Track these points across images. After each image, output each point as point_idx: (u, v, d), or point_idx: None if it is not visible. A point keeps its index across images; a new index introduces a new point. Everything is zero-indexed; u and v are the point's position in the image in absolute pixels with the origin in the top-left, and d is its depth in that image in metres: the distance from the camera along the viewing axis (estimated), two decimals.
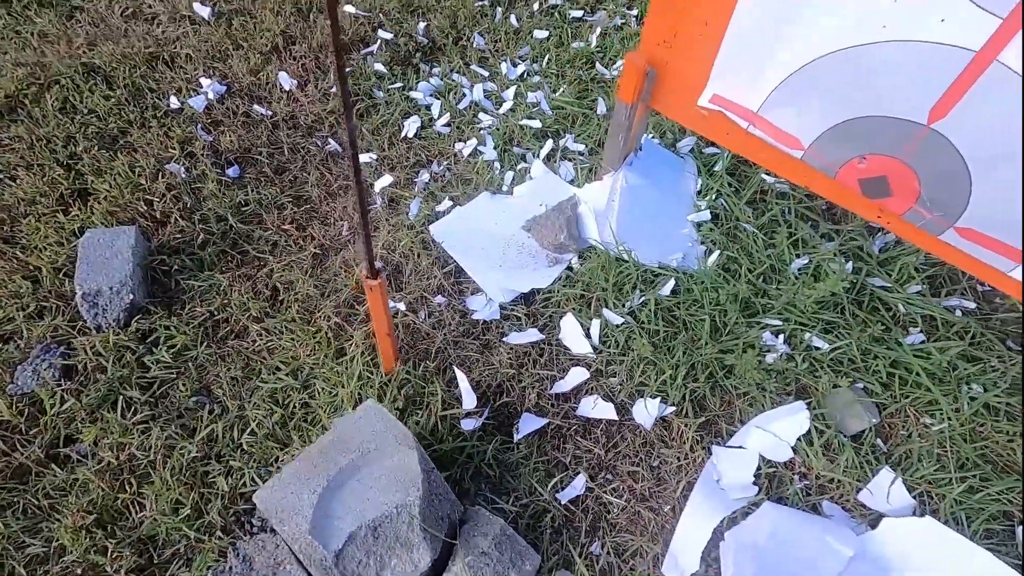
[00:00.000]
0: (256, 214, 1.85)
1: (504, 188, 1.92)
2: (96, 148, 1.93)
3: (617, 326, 1.58)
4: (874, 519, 1.35)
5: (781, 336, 1.56)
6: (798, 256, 1.70)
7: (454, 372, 1.51)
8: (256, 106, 2.12)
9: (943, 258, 1.28)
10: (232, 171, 1.95)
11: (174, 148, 1.95)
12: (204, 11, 2.39)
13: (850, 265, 1.68)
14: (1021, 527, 1.32)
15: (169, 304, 1.64)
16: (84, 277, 1.55)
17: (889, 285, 1.66)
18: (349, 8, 2.45)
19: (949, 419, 1.44)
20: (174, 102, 2.10)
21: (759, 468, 1.40)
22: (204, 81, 2.15)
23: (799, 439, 1.43)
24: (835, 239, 1.74)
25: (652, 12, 1.36)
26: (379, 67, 2.26)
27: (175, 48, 2.27)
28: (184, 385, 1.50)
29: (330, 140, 2.06)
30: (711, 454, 1.43)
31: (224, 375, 1.52)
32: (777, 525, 1.26)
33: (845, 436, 1.45)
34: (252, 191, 1.89)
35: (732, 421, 1.49)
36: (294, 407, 1.48)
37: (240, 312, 1.63)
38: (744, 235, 1.75)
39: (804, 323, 1.58)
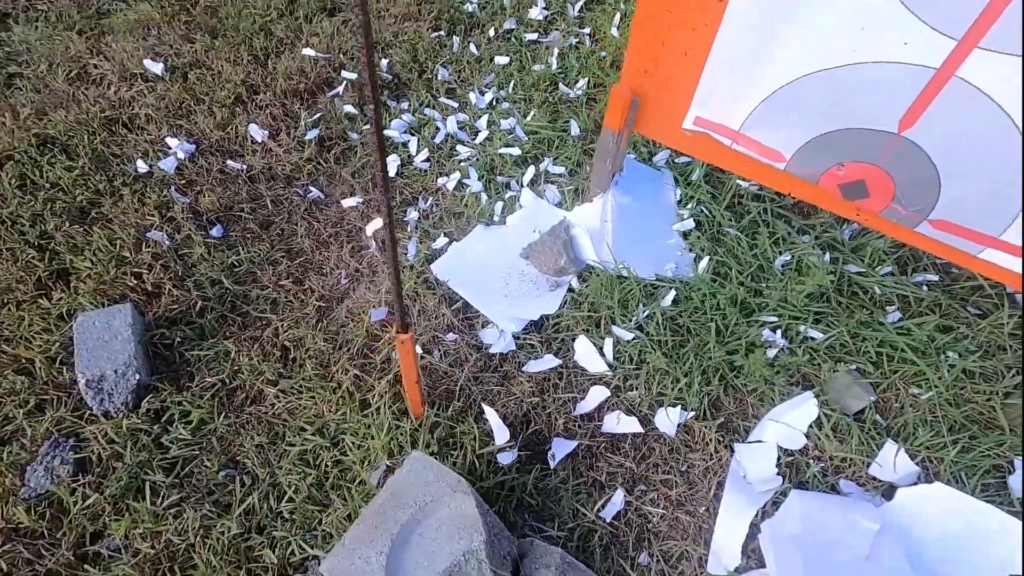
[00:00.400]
0: (250, 273, 1.83)
1: (496, 218, 1.96)
2: (67, 224, 1.85)
3: (628, 342, 1.65)
4: (886, 490, 1.47)
5: (778, 331, 1.68)
6: (780, 253, 1.82)
7: (480, 408, 1.55)
8: (230, 161, 2.08)
9: (917, 246, 1.42)
10: (216, 231, 1.91)
11: (152, 215, 1.89)
12: (156, 67, 2.33)
13: (828, 256, 1.81)
14: (1021, 476, 1.47)
15: (176, 378, 1.60)
16: (85, 363, 1.50)
17: (864, 270, 1.81)
18: (308, 51, 2.43)
19: (936, 387, 1.59)
20: (142, 166, 2.03)
21: (779, 458, 1.50)
22: (171, 141, 2.09)
23: (810, 426, 1.54)
24: (810, 233, 1.88)
25: (633, 44, 1.44)
26: (349, 108, 2.26)
27: (132, 109, 2.20)
28: (209, 460, 1.47)
29: (311, 188, 2.05)
30: (733, 452, 1.52)
31: (249, 444, 1.50)
32: (807, 511, 1.36)
33: (849, 416, 1.57)
34: (242, 250, 1.86)
35: (746, 417, 1.59)
36: (327, 466, 1.47)
37: (253, 377, 1.60)
38: (728, 238, 1.86)
39: (796, 316, 1.69)
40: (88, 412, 1.52)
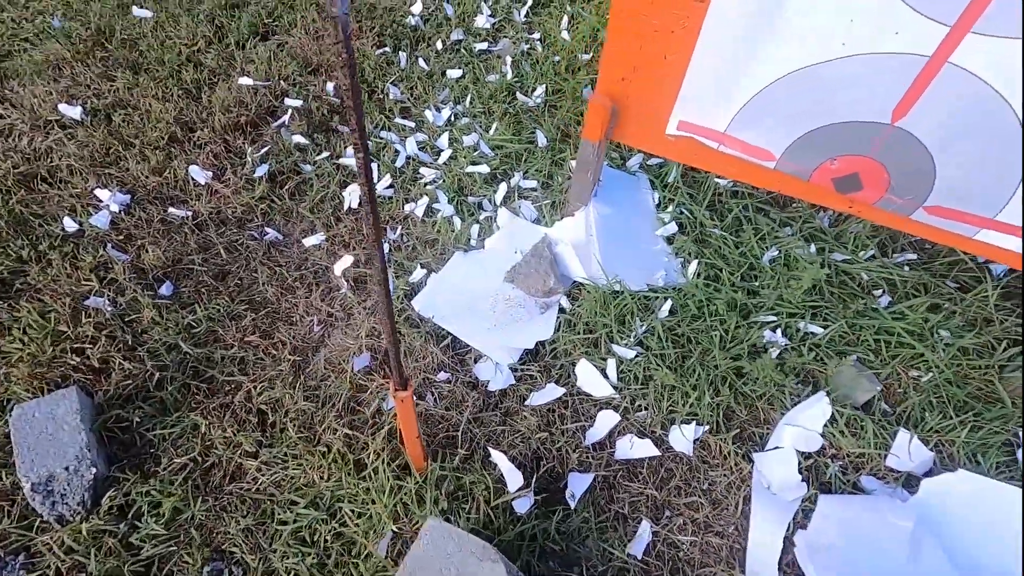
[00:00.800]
0: (210, 332, 1.65)
1: (473, 242, 1.85)
2: None
3: (631, 360, 1.58)
4: (907, 480, 1.45)
5: (778, 330, 1.64)
6: (767, 249, 1.79)
7: (487, 452, 1.44)
8: (172, 209, 1.89)
9: (912, 233, 1.40)
10: (166, 289, 1.72)
11: (88, 279, 1.69)
12: (73, 111, 2.10)
13: (813, 247, 1.80)
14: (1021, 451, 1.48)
15: (140, 465, 1.42)
16: (28, 465, 1.30)
17: (849, 257, 1.80)
18: (245, 80, 2.25)
19: (936, 367, 1.58)
20: (70, 224, 1.82)
21: (799, 463, 1.46)
22: (101, 193, 1.88)
23: (825, 425, 1.51)
24: (791, 225, 1.86)
25: (608, 50, 1.36)
26: (298, 139, 2.10)
27: (51, 161, 1.97)
28: (189, 556, 1.30)
29: (267, 230, 1.88)
30: (753, 462, 1.47)
31: (234, 529, 1.34)
32: (839, 518, 1.32)
33: (858, 409, 1.55)
34: (198, 307, 1.68)
35: (760, 424, 1.54)
36: (326, 542, 1.33)
37: (230, 451, 1.44)
38: (713, 239, 1.81)
39: (794, 313, 1.66)
40: (38, 520, 1.32)
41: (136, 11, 2.54)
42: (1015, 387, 1.55)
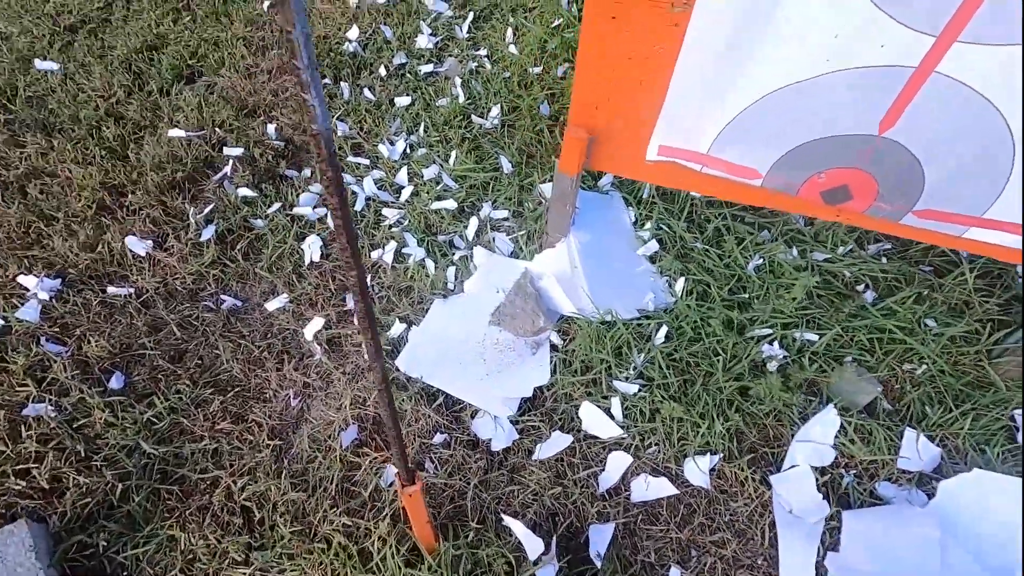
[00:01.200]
0: (175, 425, 1.49)
1: (450, 286, 1.75)
2: None
3: (635, 395, 1.51)
4: (918, 479, 1.44)
5: (775, 343, 1.61)
6: (750, 257, 1.76)
7: (498, 517, 1.34)
8: (111, 288, 1.70)
9: (902, 236, 1.39)
10: (116, 382, 1.54)
11: (24, 384, 1.49)
12: None
13: (795, 250, 1.78)
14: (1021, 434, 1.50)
15: None
16: None
17: (829, 256, 1.79)
18: (176, 132, 2.06)
19: (929, 358, 1.59)
20: None
21: (816, 479, 1.43)
22: (26, 280, 1.67)
23: (835, 436, 1.48)
24: (769, 229, 1.83)
25: (580, 80, 1.28)
26: (244, 191, 1.93)
27: None
28: None
29: (223, 298, 1.72)
30: (771, 486, 1.43)
31: None
32: (867, 537, 1.29)
33: (862, 413, 1.53)
34: (156, 398, 1.51)
35: (771, 443, 1.50)
36: None
37: (216, 562, 1.29)
38: (696, 252, 1.77)
39: (787, 323, 1.63)
40: None
41: (39, 64, 2.30)
42: (1005, 371, 1.57)
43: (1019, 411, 1.51)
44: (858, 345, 1.63)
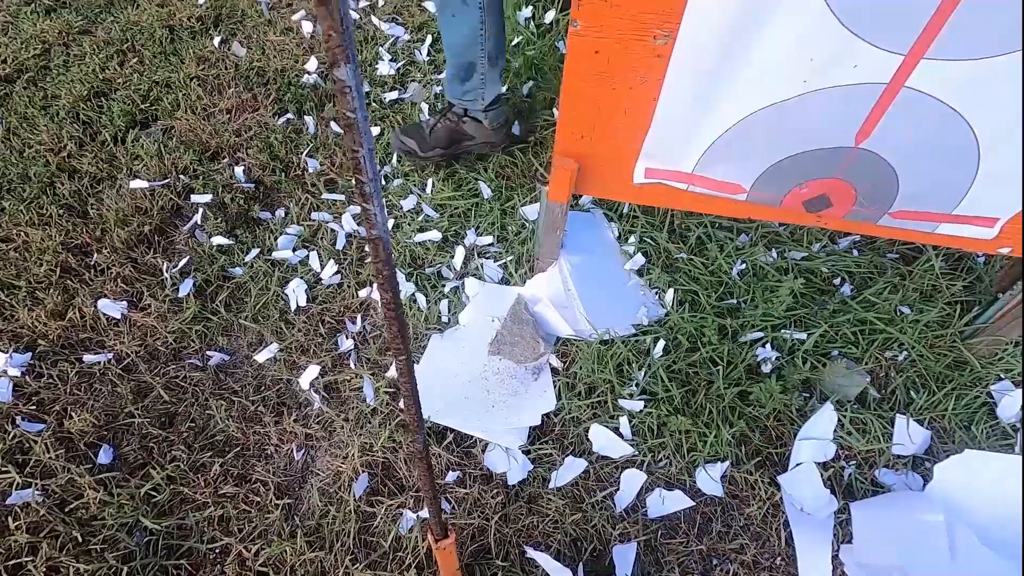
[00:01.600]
0: (175, 495, 1.42)
1: (444, 319, 1.73)
2: None
3: (641, 411, 1.54)
4: (912, 463, 1.52)
5: (767, 345, 1.66)
6: (733, 263, 1.81)
7: (521, 552, 1.34)
8: (88, 356, 1.61)
9: (878, 235, 1.46)
10: (105, 456, 1.47)
11: (5, 470, 1.40)
12: None
13: (775, 252, 1.84)
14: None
15: None
16: None
17: (806, 254, 1.86)
18: (137, 183, 1.97)
19: (910, 344, 1.67)
20: None
21: (821, 475, 1.48)
22: None
23: (835, 430, 1.54)
24: (748, 233, 1.89)
25: (564, 112, 1.29)
26: (219, 239, 1.87)
27: None
28: None
29: (209, 354, 1.66)
30: (780, 486, 1.48)
31: None
32: (876, 528, 1.35)
33: (854, 403, 1.60)
34: (152, 468, 1.44)
35: (774, 443, 1.55)
36: None
37: None
38: (681, 263, 1.81)
39: (776, 324, 1.69)
40: None
41: None
42: (977, 350, 1.67)
43: (995, 387, 1.61)
44: (843, 338, 1.70)
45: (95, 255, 1.80)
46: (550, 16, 2.44)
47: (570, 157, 1.37)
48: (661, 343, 1.63)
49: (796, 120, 1.19)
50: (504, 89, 1.88)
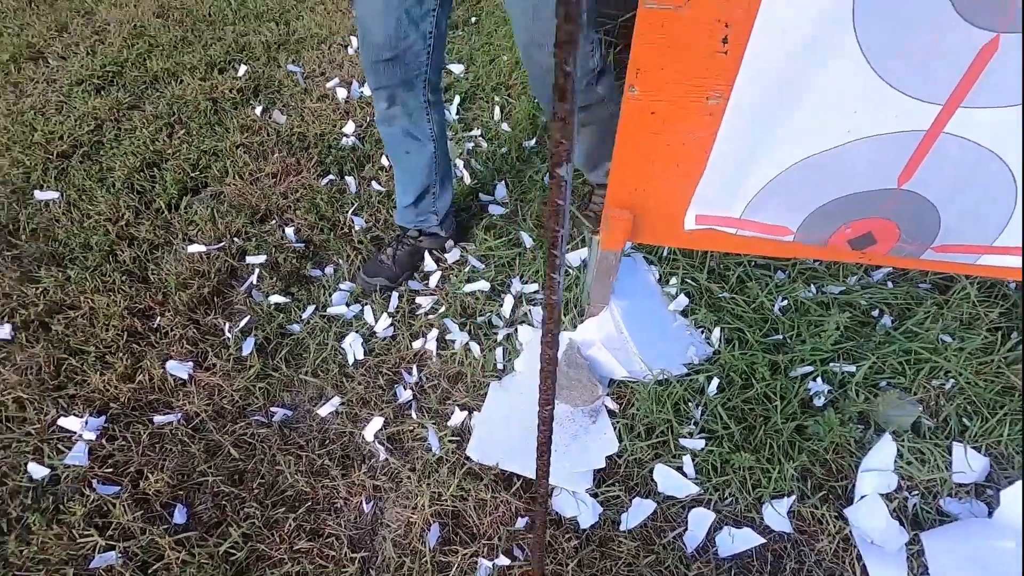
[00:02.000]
0: (252, 552, 1.44)
1: (500, 366, 1.78)
2: None
3: (703, 449, 1.57)
4: (975, 491, 1.53)
5: (818, 379, 1.70)
6: (775, 300, 1.87)
7: None
8: (158, 417, 1.66)
9: (921, 269, 1.52)
10: (179, 516, 1.49)
11: (86, 534, 1.42)
12: (1, 332, 1.81)
13: (813, 287, 1.90)
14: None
15: None
16: None
17: (844, 287, 1.92)
18: (195, 247, 2.06)
19: (960, 373, 1.71)
20: (38, 471, 1.54)
21: (887, 506, 1.50)
22: (68, 422, 1.62)
23: (895, 461, 1.56)
24: (784, 270, 1.96)
25: (618, 163, 1.38)
26: (276, 299, 1.94)
27: None
28: None
29: (274, 410, 1.70)
30: (847, 519, 1.49)
31: None
32: (951, 557, 1.36)
33: (910, 433, 1.62)
34: (229, 525, 1.47)
35: (835, 476, 1.57)
36: None
37: None
38: (724, 302, 1.87)
39: (824, 358, 1.73)
40: None
41: (39, 194, 2.28)
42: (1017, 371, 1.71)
43: None
44: (890, 369, 1.74)
45: (158, 318, 1.87)
46: None
47: (623, 208, 1.45)
48: (715, 381, 1.67)
49: (841, 166, 1.28)
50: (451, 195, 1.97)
